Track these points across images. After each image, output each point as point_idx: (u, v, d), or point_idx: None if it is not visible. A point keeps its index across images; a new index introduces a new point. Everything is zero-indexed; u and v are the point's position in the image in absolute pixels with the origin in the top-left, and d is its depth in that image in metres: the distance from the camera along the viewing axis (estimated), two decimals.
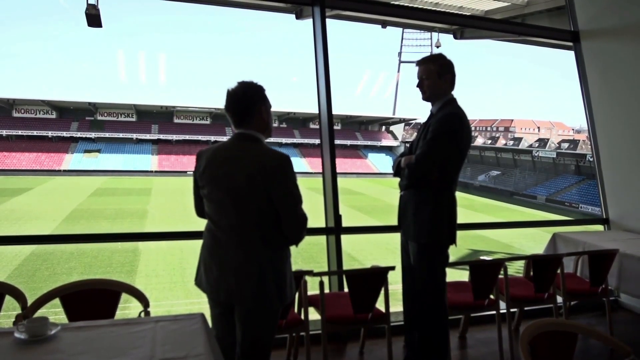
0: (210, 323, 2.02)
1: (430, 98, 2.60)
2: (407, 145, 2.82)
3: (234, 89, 1.94)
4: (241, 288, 1.88)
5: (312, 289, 2.79)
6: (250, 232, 1.89)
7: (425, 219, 2.53)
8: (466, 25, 5.50)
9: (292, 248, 2.05)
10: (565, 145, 42.17)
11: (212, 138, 46.14)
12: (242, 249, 1.89)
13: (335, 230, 3.51)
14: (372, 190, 35.13)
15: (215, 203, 1.95)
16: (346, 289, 2.78)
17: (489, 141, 54.20)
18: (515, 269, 5.64)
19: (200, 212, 2.10)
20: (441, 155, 2.49)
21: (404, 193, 2.70)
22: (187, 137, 46.71)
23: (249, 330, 1.95)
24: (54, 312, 2.21)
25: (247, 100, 1.93)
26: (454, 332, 3.44)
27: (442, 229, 2.53)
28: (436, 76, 2.53)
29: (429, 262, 2.59)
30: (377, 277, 2.73)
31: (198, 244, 2.07)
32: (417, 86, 2.60)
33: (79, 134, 45.09)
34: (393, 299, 2.84)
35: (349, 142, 50.81)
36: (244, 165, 1.86)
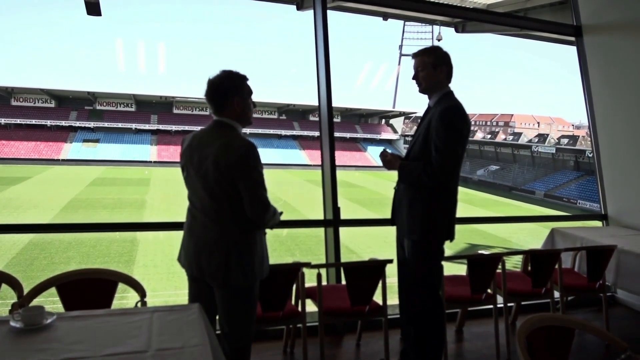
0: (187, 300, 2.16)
1: (426, 90, 2.58)
2: (408, 139, 2.79)
3: (211, 78, 2.04)
4: (210, 265, 2.01)
5: (310, 281, 2.79)
6: (220, 214, 2.00)
7: (419, 215, 2.51)
8: (468, 19, 5.46)
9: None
10: (565, 140, 42.18)
11: None
12: (213, 228, 2.01)
13: (333, 222, 3.51)
14: (371, 183, 35.15)
15: (190, 185, 2.08)
16: (344, 282, 2.78)
17: (489, 136, 54.10)
18: (513, 263, 5.65)
19: None
20: (456, 160, 2.46)
21: (399, 188, 2.67)
22: (187, 127, 46.56)
23: (224, 306, 2.08)
24: (51, 301, 2.20)
25: (223, 90, 2.03)
26: (450, 325, 3.46)
27: (436, 225, 2.50)
28: (431, 68, 2.51)
29: (424, 257, 2.57)
30: (374, 269, 2.74)
31: None
32: (413, 78, 2.58)
33: (77, 124, 44.98)
34: (390, 292, 2.84)
35: (348, 135, 50.78)
36: (213, 151, 1.95)
